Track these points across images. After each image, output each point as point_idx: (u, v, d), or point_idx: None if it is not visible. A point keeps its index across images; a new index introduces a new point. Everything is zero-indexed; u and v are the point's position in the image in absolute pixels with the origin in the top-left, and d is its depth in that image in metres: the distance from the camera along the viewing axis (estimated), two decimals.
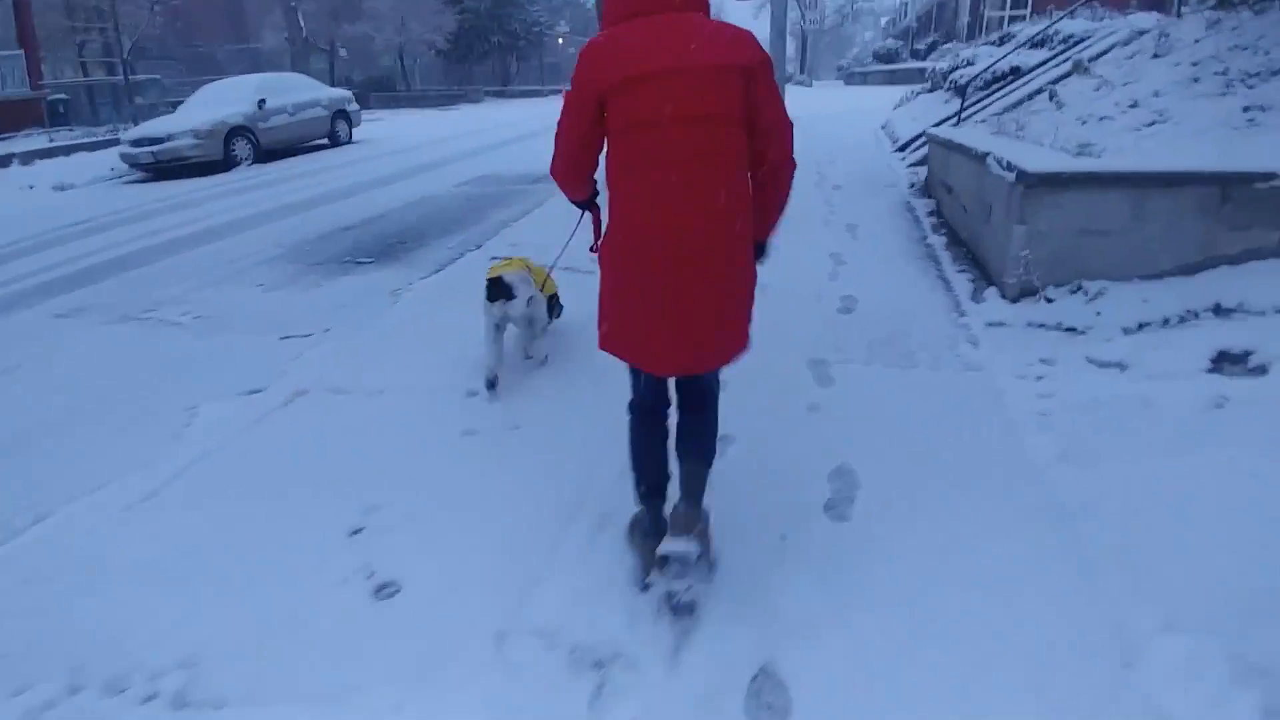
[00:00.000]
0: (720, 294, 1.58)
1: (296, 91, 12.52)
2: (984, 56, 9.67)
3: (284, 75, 13.10)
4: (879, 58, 31.60)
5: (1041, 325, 3.41)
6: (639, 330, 1.61)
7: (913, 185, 6.83)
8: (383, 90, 32.85)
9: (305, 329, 3.97)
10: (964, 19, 29.78)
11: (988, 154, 4.08)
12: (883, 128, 11.51)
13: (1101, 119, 4.52)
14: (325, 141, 13.33)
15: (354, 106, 13.95)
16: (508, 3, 35.97)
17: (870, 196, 6.43)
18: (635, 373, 1.75)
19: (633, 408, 1.81)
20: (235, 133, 10.90)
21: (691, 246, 1.51)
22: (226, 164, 10.78)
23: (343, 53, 30.78)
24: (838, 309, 3.77)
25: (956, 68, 9.70)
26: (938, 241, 4.91)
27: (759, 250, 1.73)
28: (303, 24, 28.92)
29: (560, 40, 47.89)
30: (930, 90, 11.05)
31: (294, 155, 12.32)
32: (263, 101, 11.52)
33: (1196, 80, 4.39)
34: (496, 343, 2.91)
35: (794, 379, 2.97)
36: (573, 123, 1.59)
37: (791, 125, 1.62)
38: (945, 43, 30.59)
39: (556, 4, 44.85)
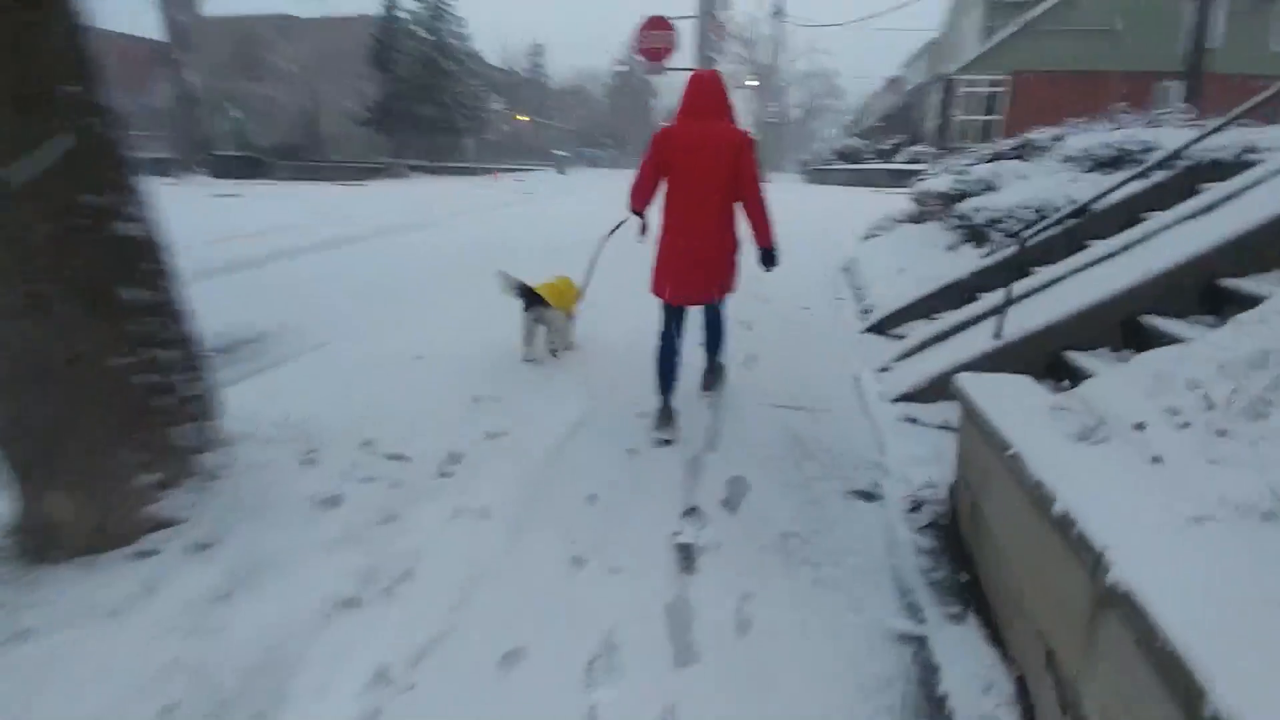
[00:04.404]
0: (713, 261, 3.16)
1: None
2: (1009, 177, 5.89)
3: None
4: (842, 156, 28.93)
5: None
6: (669, 279, 3.14)
7: (916, 507, 2.67)
8: (291, 159, 28.90)
9: None
10: (931, 122, 27.42)
11: None
12: (845, 269, 7.62)
13: None
14: None
15: None
16: (441, 74, 32.88)
17: (809, 590, 2.22)
18: (665, 308, 3.23)
19: (660, 336, 3.25)
20: None
21: (698, 235, 3.08)
22: None
23: (236, 114, 26.88)
24: None
25: (967, 194, 5.85)
26: None
27: (767, 257, 3.18)
28: (187, 78, 25.06)
29: (520, 118, 45.20)
30: (918, 220, 7.22)
31: None
32: None
33: None
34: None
35: None
36: (648, 161, 3.08)
37: (759, 179, 3.07)
38: (912, 144, 28.05)
39: (494, 81, 42.18)
